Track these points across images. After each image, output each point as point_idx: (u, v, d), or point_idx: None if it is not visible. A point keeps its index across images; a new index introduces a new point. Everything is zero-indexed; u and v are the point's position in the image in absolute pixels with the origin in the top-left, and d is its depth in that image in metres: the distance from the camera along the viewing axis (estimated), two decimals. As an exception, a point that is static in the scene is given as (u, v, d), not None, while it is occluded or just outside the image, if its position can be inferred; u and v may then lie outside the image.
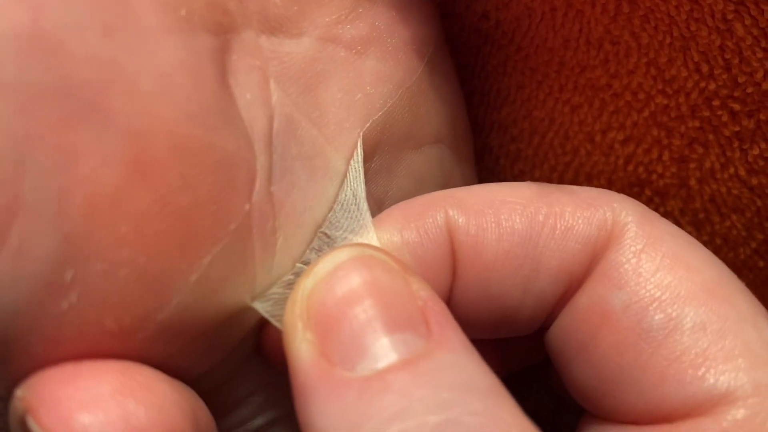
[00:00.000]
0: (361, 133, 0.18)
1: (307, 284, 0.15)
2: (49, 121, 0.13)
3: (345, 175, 0.18)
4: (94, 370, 0.14)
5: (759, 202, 0.21)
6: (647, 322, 0.16)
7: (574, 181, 0.24)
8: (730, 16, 0.19)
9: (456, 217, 0.17)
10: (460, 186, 0.22)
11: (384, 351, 0.14)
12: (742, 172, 0.21)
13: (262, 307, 0.16)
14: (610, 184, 0.23)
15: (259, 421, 0.19)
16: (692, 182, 0.22)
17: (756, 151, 0.20)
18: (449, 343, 0.14)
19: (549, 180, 0.25)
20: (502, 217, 0.17)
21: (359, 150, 0.18)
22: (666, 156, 0.22)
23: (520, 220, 0.17)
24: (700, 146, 0.21)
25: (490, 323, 0.18)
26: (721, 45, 0.19)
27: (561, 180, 0.24)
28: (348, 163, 0.18)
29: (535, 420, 0.14)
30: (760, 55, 0.19)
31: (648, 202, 0.23)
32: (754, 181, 0.21)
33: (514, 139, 0.25)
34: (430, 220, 0.17)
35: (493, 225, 0.17)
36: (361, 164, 0.18)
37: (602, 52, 0.21)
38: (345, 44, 0.18)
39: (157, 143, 0.14)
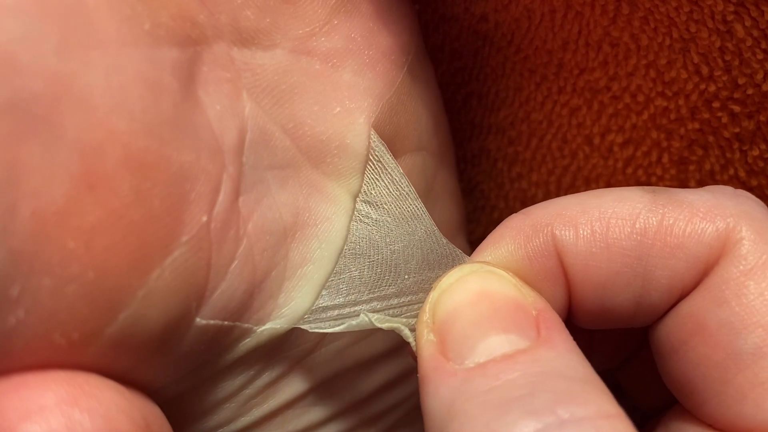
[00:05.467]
0: (402, 173, 0.18)
1: (434, 295, 0.17)
2: None
3: (352, 211, 0.18)
4: (39, 380, 0.14)
5: (758, 204, 0.21)
6: (738, 344, 0.16)
7: (573, 185, 0.24)
8: (730, 18, 0.19)
9: (565, 237, 0.17)
10: (442, 190, 0.22)
11: (490, 348, 0.15)
12: (741, 174, 0.21)
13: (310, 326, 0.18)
14: (609, 187, 0.23)
15: (231, 428, 0.19)
16: (692, 184, 0.22)
17: (756, 153, 0.20)
18: (551, 343, 0.15)
19: (547, 183, 0.25)
20: (611, 236, 0.17)
21: (406, 184, 0.18)
22: (665, 158, 0.22)
23: (630, 239, 0.17)
24: (700, 148, 0.21)
25: (608, 324, 0.18)
26: (721, 46, 0.19)
27: (559, 183, 0.24)
28: (329, 179, 0.18)
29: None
30: (760, 56, 0.19)
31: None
32: (754, 182, 0.21)
33: (512, 141, 0.24)
34: (541, 241, 0.17)
35: (602, 246, 0.17)
36: (420, 201, 0.18)
37: (601, 53, 0.21)
38: (320, 57, 0.18)
39: (109, 157, 0.14)
